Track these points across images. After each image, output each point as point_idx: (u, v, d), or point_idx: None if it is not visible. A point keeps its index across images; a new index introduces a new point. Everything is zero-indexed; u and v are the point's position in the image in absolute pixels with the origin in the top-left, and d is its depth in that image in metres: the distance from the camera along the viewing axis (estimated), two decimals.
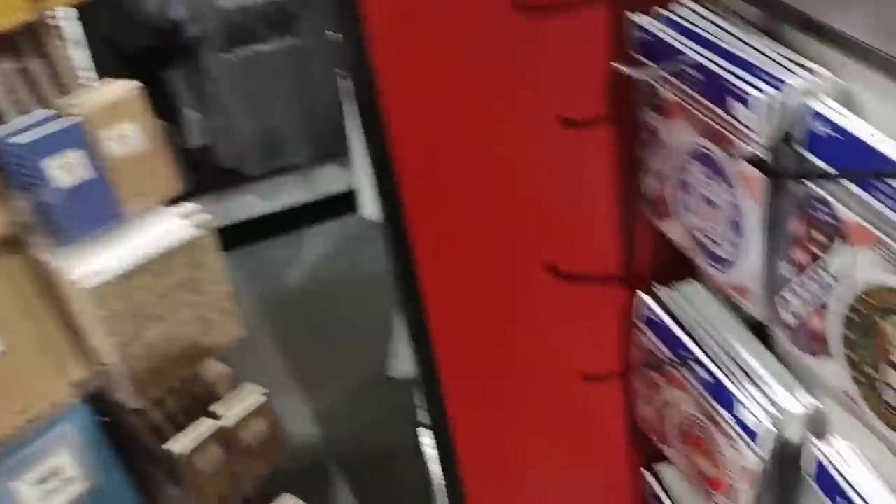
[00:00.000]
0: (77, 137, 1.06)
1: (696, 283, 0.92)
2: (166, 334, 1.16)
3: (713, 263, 0.77)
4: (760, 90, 0.62)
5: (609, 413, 1.04)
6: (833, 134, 0.59)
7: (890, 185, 0.54)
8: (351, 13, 0.73)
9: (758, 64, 0.65)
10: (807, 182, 0.62)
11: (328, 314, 2.50)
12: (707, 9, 0.73)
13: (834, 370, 0.65)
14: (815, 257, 0.64)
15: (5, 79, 1.10)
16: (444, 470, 1.01)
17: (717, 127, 0.68)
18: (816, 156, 0.61)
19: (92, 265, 1.09)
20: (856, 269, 0.59)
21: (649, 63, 0.74)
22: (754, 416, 0.75)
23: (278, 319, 2.50)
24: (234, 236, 2.54)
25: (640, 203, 0.86)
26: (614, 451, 1.08)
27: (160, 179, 1.19)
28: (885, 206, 0.55)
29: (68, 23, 1.18)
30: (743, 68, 0.65)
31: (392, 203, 0.76)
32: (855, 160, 0.57)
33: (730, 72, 0.65)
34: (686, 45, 0.70)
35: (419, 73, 0.76)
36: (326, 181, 2.89)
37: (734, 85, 0.64)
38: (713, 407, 0.81)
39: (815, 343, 0.66)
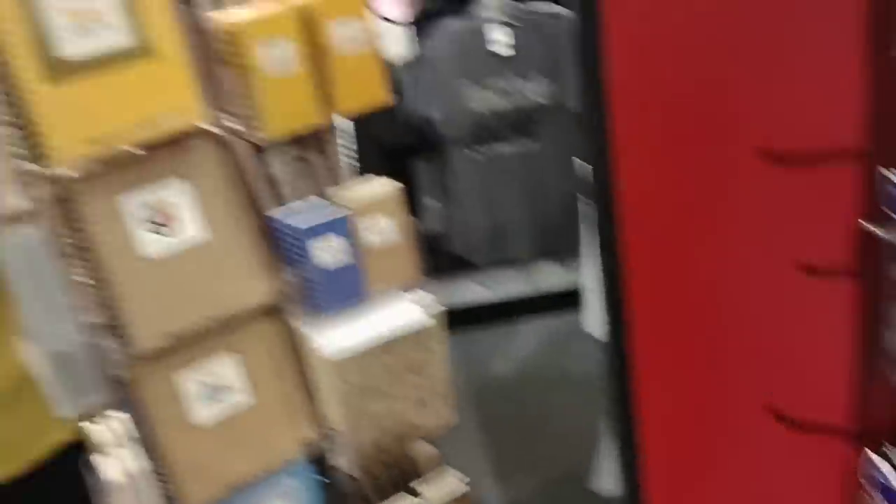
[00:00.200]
0: (342, 226, 1.21)
1: None
2: (389, 411, 1.25)
3: None
4: None
5: None
6: None
7: None
8: (599, 144, 0.79)
9: None
10: None
11: (532, 409, 2.53)
12: None
13: None
14: None
15: (289, 167, 1.27)
16: None
17: None
18: None
19: (337, 339, 1.21)
20: None
21: None
22: None
23: (483, 406, 2.56)
24: (453, 319, 2.66)
25: (879, 358, 0.82)
26: None
27: (403, 268, 1.31)
28: None
29: (343, 121, 1.35)
30: None
31: (617, 325, 0.80)
32: None
33: None
34: None
35: (661, 206, 0.80)
36: (546, 277, 2.95)
37: None
38: None
39: None
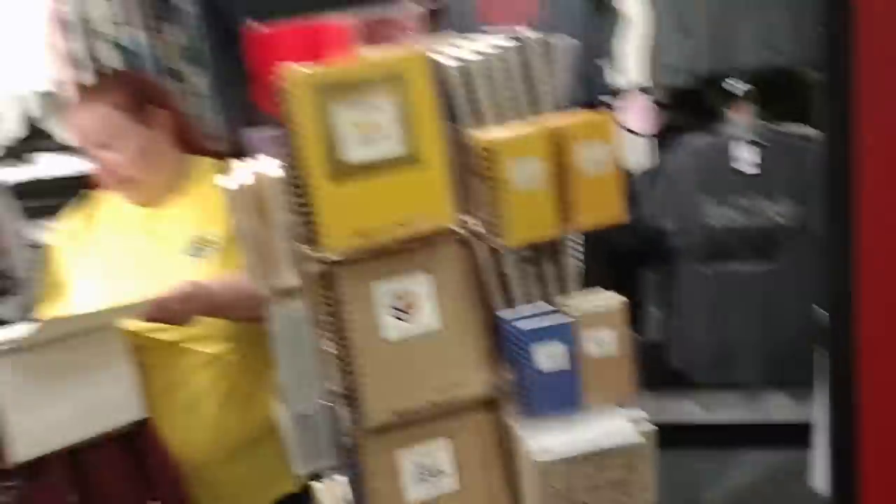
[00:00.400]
0: (565, 333, 1.26)
1: None
2: None
3: None
4: None
5: None
6: None
7: None
8: (842, 286, 0.78)
9: None
10: None
11: None
12: None
13: None
14: None
15: (522, 271, 1.35)
16: None
17: None
18: None
19: (545, 442, 1.25)
20: None
21: None
22: None
23: None
24: (665, 436, 2.58)
25: None
26: None
27: (620, 381, 1.33)
28: None
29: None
30: None
31: (845, 488, 0.77)
32: None
33: None
34: None
35: None
36: (772, 407, 2.79)
37: None
38: None
39: None
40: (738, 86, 2.58)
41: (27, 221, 2.32)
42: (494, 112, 1.24)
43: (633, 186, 2.79)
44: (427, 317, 1.29)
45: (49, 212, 2.93)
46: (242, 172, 1.25)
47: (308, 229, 1.19)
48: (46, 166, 3.06)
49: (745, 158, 2.61)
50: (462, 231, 1.31)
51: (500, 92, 1.24)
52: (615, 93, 2.79)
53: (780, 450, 2.68)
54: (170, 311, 1.57)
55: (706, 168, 2.62)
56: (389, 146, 1.18)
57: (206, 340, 1.71)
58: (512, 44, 1.22)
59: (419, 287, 1.28)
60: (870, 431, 0.74)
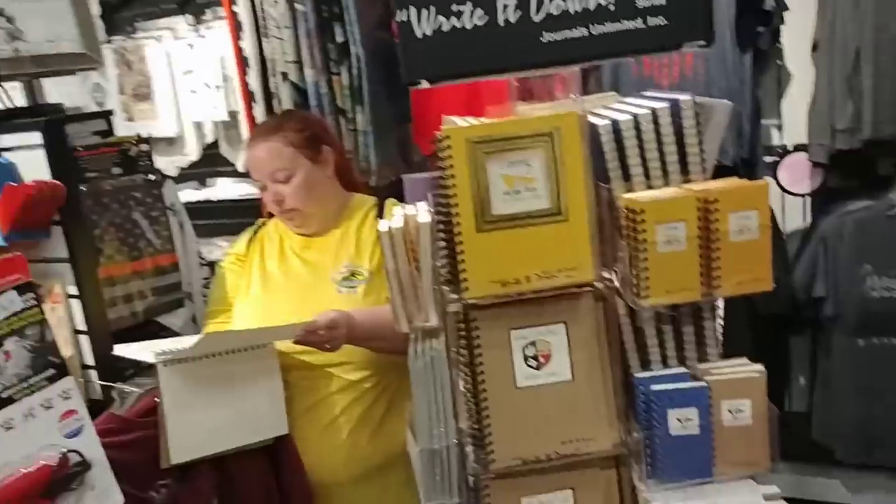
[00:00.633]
0: (701, 400, 1.25)
1: None
2: None
3: None
4: None
5: None
6: None
7: None
8: None
9: None
10: None
11: None
12: None
13: None
14: None
15: (659, 332, 1.35)
16: None
17: None
18: None
19: None
20: None
21: None
22: None
23: None
24: None
25: None
26: None
27: (754, 454, 1.30)
28: None
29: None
30: None
31: None
32: None
33: None
34: None
35: None
36: None
37: None
38: None
39: None
40: None
41: (201, 239, 2.53)
42: (643, 172, 1.26)
43: (786, 249, 2.69)
44: (560, 368, 1.31)
45: (221, 231, 3.19)
46: (396, 214, 1.33)
47: (452, 274, 1.25)
48: (221, 189, 3.33)
49: None
50: (602, 286, 1.33)
51: (650, 153, 1.25)
52: (774, 151, 2.71)
53: None
54: (318, 336, 1.68)
55: (868, 235, 2.48)
56: (537, 200, 1.23)
57: (346, 366, 1.80)
58: (664, 105, 1.24)
59: (555, 338, 1.31)
60: None
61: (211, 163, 3.28)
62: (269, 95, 2.74)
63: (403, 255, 1.27)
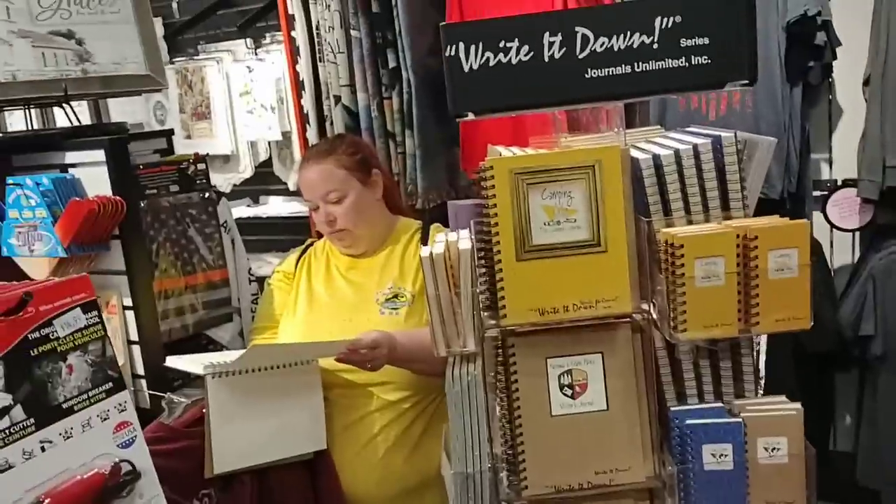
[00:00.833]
0: (736, 436, 1.25)
1: None
2: None
3: None
4: None
5: None
6: None
7: None
8: None
9: None
10: None
11: None
12: None
13: None
14: None
15: (696, 366, 1.35)
16: None
17: None
18: None
19: None
20: None
21: None
22: None
23: None
24: None
25: None
26: None
27: (792, 493, 1.29)
28: None
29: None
30: None
31: None
32: None
33: None
34: None
35: None
36: None
37: None
38: None
39: None
40: None
41: (251, 255, 2.60)
42: (683, 207, 1.28)
43: (833, 286, 2.66)
44: (595, 397, 1.33)
45: (271, 248, 3.28)
46: (439, 240, 1.36)
47: (492, 300, 1.28)
48: (273, 207, 3.42)
49: None
50: (640, 318, 1.34)
51: (691, 188, 1.27)
52: (823, 185, 2.69)
53: None
54: (360, 355, 1.72)
55: None
56: (577, 231, 1.25)
57: (386, 387, 1.84)
58: (706, 141, 1.26)
59: (591, 367, 1.33)
60: None
61: (263, 181, 3.38)
62: (321, 118, 2.81)
63: (444, 281, 1.31)
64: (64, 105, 1.96)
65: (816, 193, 2.64)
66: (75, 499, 1.11)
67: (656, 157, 1.26)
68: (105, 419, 1.18)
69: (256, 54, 3.19)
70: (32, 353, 1.11)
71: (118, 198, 1.81)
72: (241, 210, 3.36)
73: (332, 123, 2.79)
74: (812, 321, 1.25)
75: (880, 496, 2.55)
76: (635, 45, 1.22)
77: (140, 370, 1.91)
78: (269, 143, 3.25)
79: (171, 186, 1.93)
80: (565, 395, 1.33)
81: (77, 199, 1.78)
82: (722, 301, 1.23)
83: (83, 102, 2.23)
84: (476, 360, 1.31)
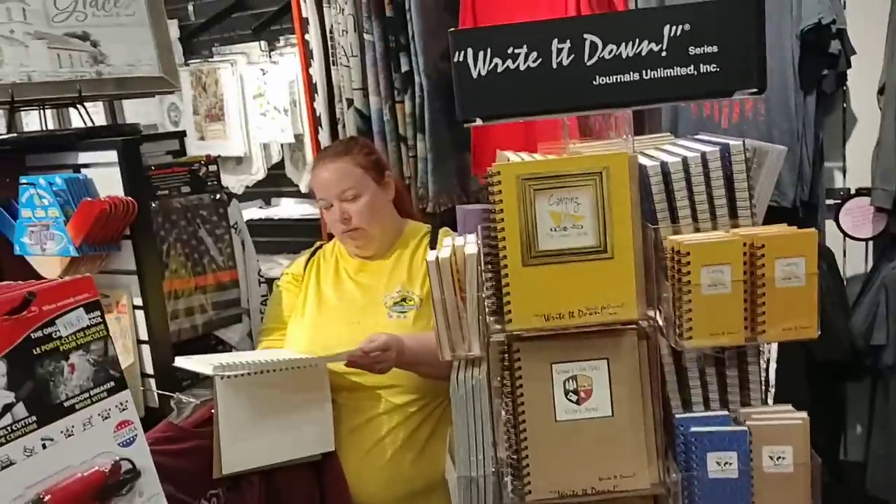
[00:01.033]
0: (741, 444, 1.25)
1: None
2: None
3: None
4: None
5: None
6: None
7: None
8: None
9: None
10: None
11: None
12: None
13: None
14: None
15: (702, 374, 1.35)
16: None
17: None
18: None
19: None
20: None
21: None
22: None
23: None
24: None
25: None
26: None
27: (797, 502, 1.28)
28: None
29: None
30: None
31: None
32: None
33: None
34: None
35: None
36: None
37: None
38: None
39: None
40: None
41: (262, 256, 2.61)
42: (691, 215, 1.27)
43: (846, 294, 2.64)
44: (600, 403, 1.33)
45: (282, 249, 3.29)
46: (446, 244, 1.37)
47: (497, 305, 1.28)
48: (284, 208, 3.44)
49: None
50: (646, 325, 1.34)
51: (698, 196, 1.27)
52: (836, 194, 2.67)
53: None
54: (369, 358, 1.72)
55: None
56: (583, 237, 1.26)
57: (394, 389, 1.84)
58: (714, 149, 1.26)
59: (596, 373, 1.33)
60: None
61: (276, 183, 3.39)
62: (334, 121, 2.83)
63: (450, 285, 1.31)
64: (78, 106, 1.98)
65: (829, 202, 2.62)
66: (76, 496, 1.12)
67: (664, 165, 1.26)
68: (106, 418, 1.20)
69: (270, 57, 3.21)
70: (35, 352, 1.13)
71: (130, 198, 1.82)
72: (253, 212, 3.38)
73: (344, 126, 2.81)
74: (823, 330, 1.24)
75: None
76: (644, 53, 1.22)
77: (149, 370, 1.92)
78: (281, 145, 3.27)
79: (182, 187, 1.95)
80: (570, 400, 1.33)
81: (89, 199, 1.80)
82: (728, 309, 1.23)
83: (98, 103, 2.26)
84: (481, 365, 1.32)
